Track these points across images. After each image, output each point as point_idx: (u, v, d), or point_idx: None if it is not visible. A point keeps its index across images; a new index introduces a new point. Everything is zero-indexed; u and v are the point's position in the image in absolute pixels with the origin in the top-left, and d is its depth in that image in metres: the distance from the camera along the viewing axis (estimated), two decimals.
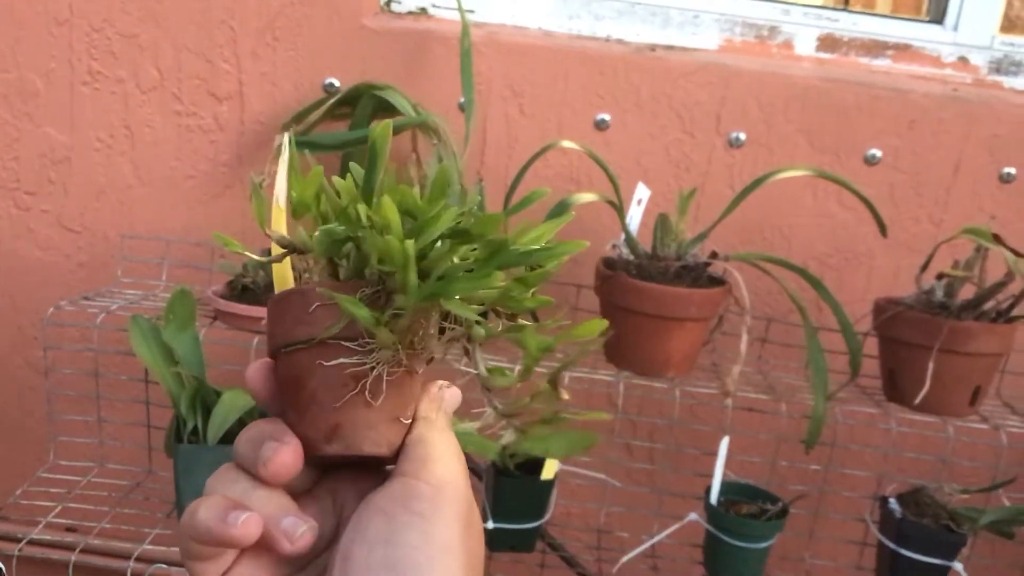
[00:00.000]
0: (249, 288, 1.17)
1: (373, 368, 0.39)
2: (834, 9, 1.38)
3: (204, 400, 1.06)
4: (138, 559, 1.09)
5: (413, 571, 0.37)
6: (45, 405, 1.31)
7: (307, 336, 0.40)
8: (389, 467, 0.42)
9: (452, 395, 0.46)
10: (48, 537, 1.12)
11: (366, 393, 0.39)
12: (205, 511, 0.38)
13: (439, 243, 0.39)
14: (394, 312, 0.38)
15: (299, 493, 0.43)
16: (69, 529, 1.30)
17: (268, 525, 0.39)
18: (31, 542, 1.15)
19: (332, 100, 1.28)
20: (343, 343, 0.39)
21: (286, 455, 0.39)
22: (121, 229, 1.38)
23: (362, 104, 1.27)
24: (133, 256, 1.37)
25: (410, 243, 0.37)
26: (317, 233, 0.42)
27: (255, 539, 0.38)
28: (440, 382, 0.46)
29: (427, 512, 0.39)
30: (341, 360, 0.39)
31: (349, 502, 0.44)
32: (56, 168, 1.38)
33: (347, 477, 0.44)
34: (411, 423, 0.43)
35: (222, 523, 0.38)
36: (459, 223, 0.39)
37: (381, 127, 0.43)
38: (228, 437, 1.06)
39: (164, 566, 1.10)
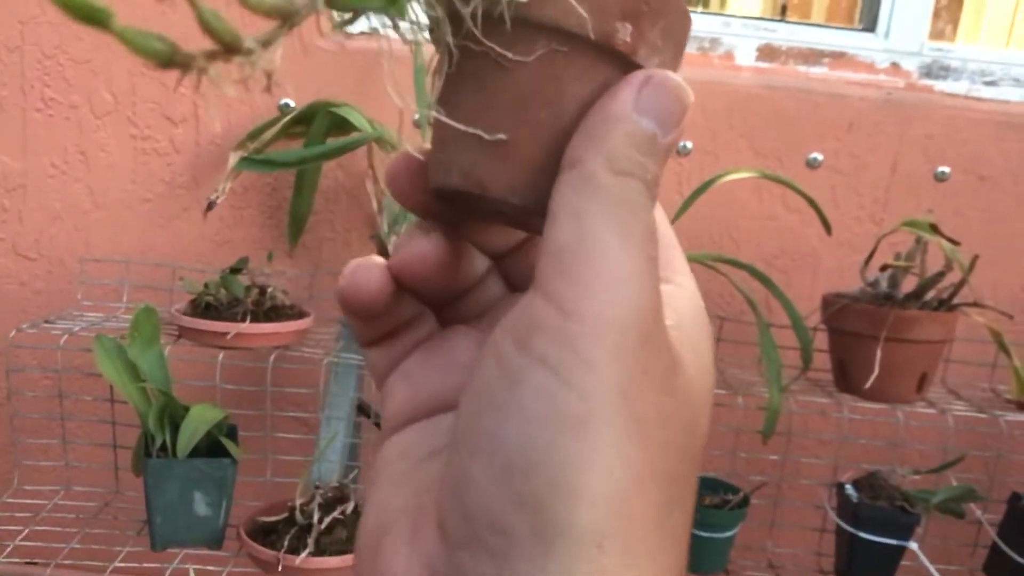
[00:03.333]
0: (212, 305, 1.18)
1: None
2: (772, 20, 1.44)
3: (172, 415, 1.06)
4: None
5: (521, 455, 0.22)
6: (8, 432, 1.29)
7: None
8: None
9: (646, 116, 0.25)
10: (16, 560, 1.11)
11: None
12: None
13: None
14: None
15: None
16: (32, 561, 1.29)
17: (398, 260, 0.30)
18: None
19: (287, 118, 1.29)
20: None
21: (395, 165, 0.31)
22: (78, 254, 1.38)
23: (317, 121, 1.29)
24: (92, 279, 1.36)
25: None
26: None
27: (364, 286, 0.29)
28: (644, 73, 0.25)
29: (551, 357, 0.22)
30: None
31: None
32: (10, 196, 1.38)
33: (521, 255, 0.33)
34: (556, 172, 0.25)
35: (342, 279, 0.30)
36: None
37: None
38: (197, 451, 1.06)
39: None
